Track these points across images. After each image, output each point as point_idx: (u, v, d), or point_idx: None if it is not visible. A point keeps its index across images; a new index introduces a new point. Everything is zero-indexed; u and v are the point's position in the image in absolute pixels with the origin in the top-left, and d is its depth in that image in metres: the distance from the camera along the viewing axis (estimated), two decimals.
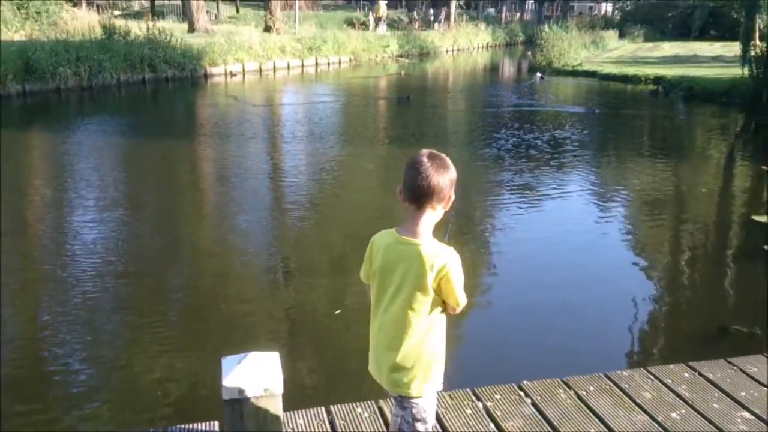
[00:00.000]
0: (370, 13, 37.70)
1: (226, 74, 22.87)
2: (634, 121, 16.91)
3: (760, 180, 10.89)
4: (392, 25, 39.34)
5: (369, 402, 3.32)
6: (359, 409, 3.26)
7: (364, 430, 3.11)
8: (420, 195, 2.21)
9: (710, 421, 3.19)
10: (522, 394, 3.36)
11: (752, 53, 18.23)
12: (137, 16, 31.92)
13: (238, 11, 39.64)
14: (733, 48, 23.84)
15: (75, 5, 30.14)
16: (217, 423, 3.09)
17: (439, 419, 3.19)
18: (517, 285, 6.17)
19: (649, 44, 39.68)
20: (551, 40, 28.68)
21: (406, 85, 22.89)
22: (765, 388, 3.49)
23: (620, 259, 7.12)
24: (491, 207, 8.91)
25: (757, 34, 18.93)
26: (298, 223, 8.03)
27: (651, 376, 3.59)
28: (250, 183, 9.78)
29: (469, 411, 3.24)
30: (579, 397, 3.39)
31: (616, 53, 33.83)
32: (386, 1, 38.10)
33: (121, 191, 9.44)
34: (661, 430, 3.12)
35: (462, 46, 40.76)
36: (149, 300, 5.87)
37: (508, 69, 33.23)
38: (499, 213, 8.61)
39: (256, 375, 2.42)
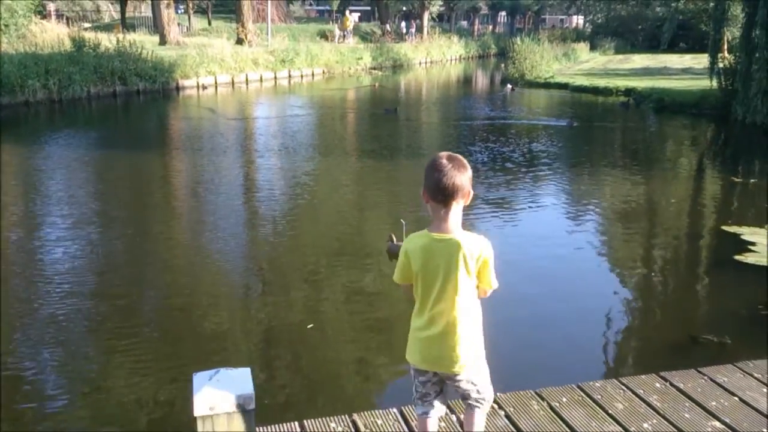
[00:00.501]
0: (336, 25, 37.67)
1: (198, 87, 22.77)
2: (607, 133, 17.13)
3: (730, 190, 11.09)
4: (365, 37, 39.50)
5: (342, 416, 3.30)
6: (333, 423, 3.23)
7: None
8: (447, 194, 2.42)
9: (681, 431, 3.21)
10: (495, 406, 3.36)
11: (720, 65, 18.59)
12: (107, 28, 31.69)
13: (210, 23, 39.57)
14: (702, 60, 24.30)
15: (44, 18, 29.84)
16: None
17: None
18: (490, 298, 6.16)
19: (620, 56, 40.33)
20: (523, 52, 29.03)
21: (382, 98, 23.00)
22: (735, 398, 3.52)
23: (593, 271, 7.18)
24: (466, 220, 8.93)
25: (725, 47, 19.32)
26: (272, 238, 7.98)
27: (623, 387, 3.61)
28: (223, 198, 9.71)
29: (443, 424, 3.23)
30: (552, 408, 3.39)
31: (588, 65, 34.33)
32: (358, 14, 38.19)
33: (91, 208, 9.29)
34: None
35: (435, 59, 41.08)
36: (120, 318, 5.78)
37: (481, 81, 33.54)
38: (473, 226, 8.64)
39: (227, 391, 2.39)
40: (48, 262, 6.94)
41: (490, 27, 62.90)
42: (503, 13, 65.75)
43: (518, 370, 4.59)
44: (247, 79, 25.12)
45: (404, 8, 49.85)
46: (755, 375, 3.77)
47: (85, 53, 20.44)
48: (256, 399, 2.40)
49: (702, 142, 16.62)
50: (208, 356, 4.99)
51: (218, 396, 2.37)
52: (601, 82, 24.77)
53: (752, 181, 12.06)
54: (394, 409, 3.36)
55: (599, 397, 3.50)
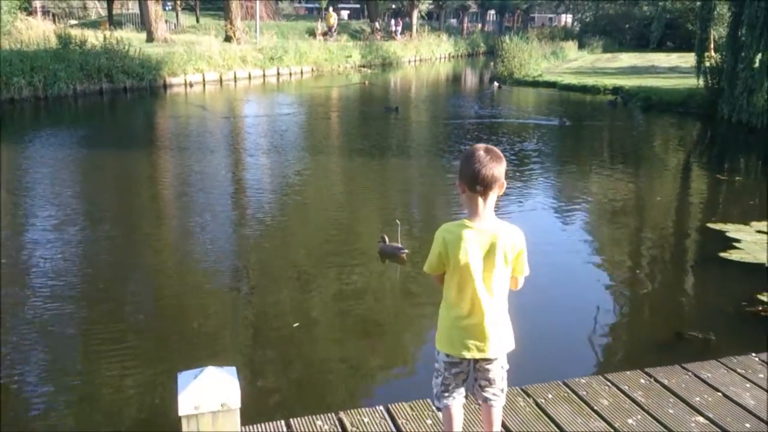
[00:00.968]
0: (318, 22, 37.34)
1: (186, 84, 22.66)
2: (595, 132, 17.20)
3: (715, 188, 11.17)
4: (354, 35, 39.43)
5: (329, 414, 3.30)
6: (319, 422, 3.23)
7: None
8: (485, 184, 2.51)
9: (665, 426, 3.23)
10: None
11: (707, 64, 18.71)
12: (94, 25, 31.50)
13: (198, 21, 39.39)
14: (689, 59, 24.42)
15: (30, 14, 29.58)
16: None
17: (399, 430, 3.18)
18: None
19: (608, 55, 40.52)
20: (512, 50, 29.11)
21: (371, 96, 22.99)
22: (719, 393, 3.55)
23: (579, 269, 7.22)
24: (456, 216, 8.96)
25: (711, 46, 19.43)
26: (259, 237, 7.95)
27: (608, 383, 3.63)
28: (211, 198, 9.64)
29: (429, 421, 3.24)
30: (538, 404, 3.41)
31: (576, 64, 34.46)
32: (347, 12, 37.92)
33: (76, 208, 9.19)
34: None
35: (424, 57, 41.09)
36: (107, 317, 5.76)
37: (470, 79, 33.59)
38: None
39: (212, 390, 2.39)
40: (32, 263, 6.87)
41: (480, 25, 63.01)
42: (492, 12, 65.89)
43: None
44: (235, 77, 25.03)
45: (393, 6, 49.85)
46: (738, 371, 3.80)
47: (71, 50, 20.29)
48: (242, 398, 2.40)
49: (688, 141, 16.72)
50: (195, 355, 4.98)
51: (203, 395, 2.36)
52: (589, 81, 24.87)
53: (737, 178, 12.16)
54: (381, 407, 3.36)
55: (585, 393, 3.52)
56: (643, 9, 47.29)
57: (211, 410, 2.37)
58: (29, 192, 9.81)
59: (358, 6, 53.68)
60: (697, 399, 3.48)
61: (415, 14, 45.35)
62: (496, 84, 25.78)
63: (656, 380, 3.67)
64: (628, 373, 3.77)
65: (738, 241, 7.60)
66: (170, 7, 41.18)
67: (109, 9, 36.92)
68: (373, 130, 16.17)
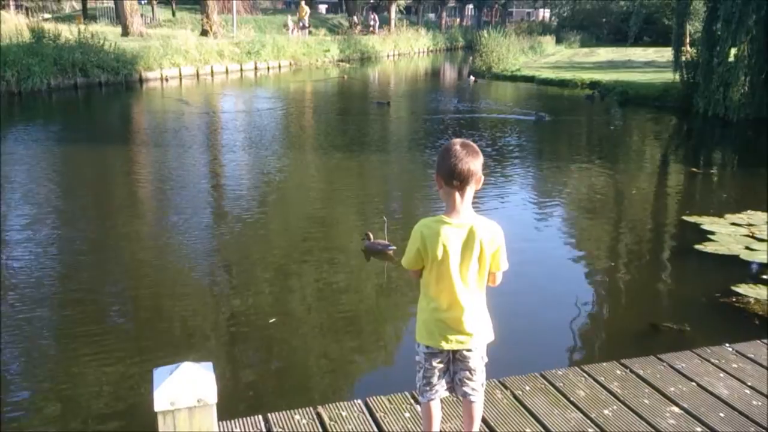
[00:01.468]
0: (289, 17, 36.88)
1: (162, 79, 22.44)
2: (573, 126, 17.29)
3: (690, 181, 11.30)
4: (332, 29, 39.29)
5: (307, 408, 3.29)
6: (297, 416, 3.23)
7: None
8: (461, 179, 2.54)
9: (640, 416, 3.27)
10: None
11: (683, 59, 18.90)
12: (68, 19, 31.02)
13: (174, 15, 38.94)
14: (665, 53, 24.68)
15: (2, 8, 29.08)
16: None
17: (377, 423, 3.19)
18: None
19: (585, 50, 40.79)
20: (490, 45, 29.20)
21: (351, 90, 22.93)
22: (693, 383, 3.60)
23: (556, 262, 7.26)
24: (439, 212, 8.98)
25: (687, 40, 19.63)
26: (237, 233, 7.90)
27: (585, 374, 3.67)
28: (189, 194, 9.58)
29: (407, 414, 3.25)
30: (515, 397, 3.43)
31: (554, 58, 34.65)
32: (326, 6, 37.45)
33: (51, 205, 9.04)
34: (594, 426, 3.19)
35: (403, 51, 41.06)
36: (81, 314, 5.70)
37: (449, 74, 33.61)
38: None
39: (188, 385, 2.37)
40: (5, 262, 6.75)
41: (458, 20, 63.03)
42: (470, 6, 65.94)
43: None
44: (212, 71, 24.83)
45: (371, 0, 49.71)
46: (712, 361, 3.86)
47: (45, 44, 19.97)
48: (220, 393, 2.39)
49: (664, 135, 16.89)
50: (172, 352, 4.95)
51: (179, 391, 2.34)
52: (567, 75, 25.03)
53: (712, 172, 12.32)
54: (359, 401, 3.36)
55: (561, 384, 3.55)
56: (620, 4, 47.62)
57: (188, 406, 2.35)
58: (1, 189, 9.63)
59: (336, 0, 53.47)
60: (672, 389, 3.53)
61: (393, 8, 45.28)
62: (472, 78, 26.16)
63: (632, 371, 3.71)
64: (604, 364, 3.81)
65: (713, 233, 7.70)
66: (146, 1, 40.70)
67: (84, 3, 36.42)
68: (351, 126, 16.13)
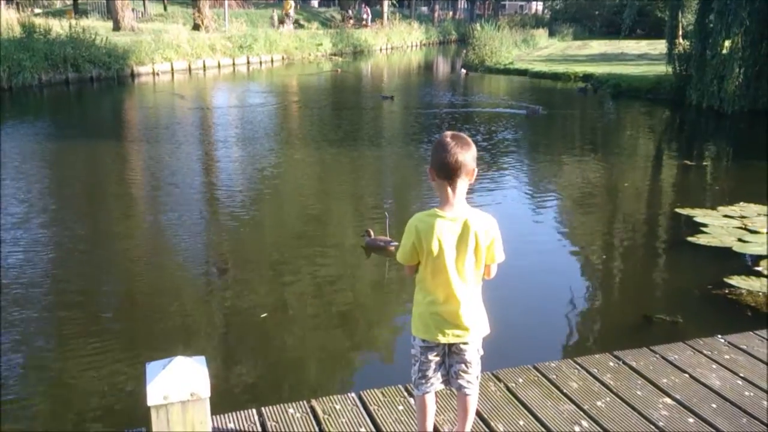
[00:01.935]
0: (273, 11, 36.57)
1: (154, 74, 22.35)
2: (566, 119, 17.32)
3: (683, 174, 11.33)
4: (325, 23, 39.16)
5: (300, 402, 3.29)
6: (291, 410, 3.22)
7: (295, 430, 3.08)
8: (454, 171, 2.53)
9: (633, 408, 3.28)
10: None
11: (676, 51, 18.91)
12: (59, 14, 30.83)
13: (165, 9, 38.71)
14: (658, 46, 24.66)
15: None
16: (144, 429, 3.00)
17: (371, 417, 3.19)
18: None
19: (578, 42, 40.75)
20: (483, 38, 29.18)
21: (344, 84, 22.87)
22: (686, 375, 3.61)
23: (549, 255, 7.26)
24: (431, 205, 8.98)
25: (680, 33, 19.65)
26: (231, 229, 7.87)
27: (578, 366, 3.68)
28: (182, 189, 9.54)
29: (401, 407, 3.25)
30: (509, 389, 3.44)
31: (547, 51, 34.61)
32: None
33: (44, 201, 9.01)
34: (587, 418, 3.19)
35: (396, 45, 40.98)
36: (75, 309, 5.68)
37: (442, 67, 33.57)
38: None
39: (181, 379, 2.37)
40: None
41: (451, 13, 62.86)
42: None
43: None
44: (204, 66, 24.74)
45: None
46: (705, 352, 3.87)
47: (36, 39, 19.86)
48: (214, 388, 2.39)
49: (657, 127, 16.92)
50: (164, 345, 4.94)
51: (172, 385, 2.34)
52: (560, 68, 25.02)
53: (704, 164, 12.36)
54: (353, 395, 3.37)
55: (555, 377, 3.56)
56: None
57: (181, 400, 2.35)
58: None
59: None
60: (665, 381, 3.54)
61: (386, 1, 45.14)
62: (463, 71, 26.47)
63: (625, 363, 3.72)
64: (597, 356, 3.82)
65: (705, 225, 7.73)
66: None
67: None
68: (344, 120, 16.10)
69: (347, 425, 3.12)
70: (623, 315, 5.86)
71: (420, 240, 2.59)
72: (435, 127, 14.78)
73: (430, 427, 2.86)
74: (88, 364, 4.76)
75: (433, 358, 2.71)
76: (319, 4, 51.30)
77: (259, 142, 12.92)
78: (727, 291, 5.93)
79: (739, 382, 3.55)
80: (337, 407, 3.26)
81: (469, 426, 2.86)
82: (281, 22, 34.60)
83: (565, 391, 3.42)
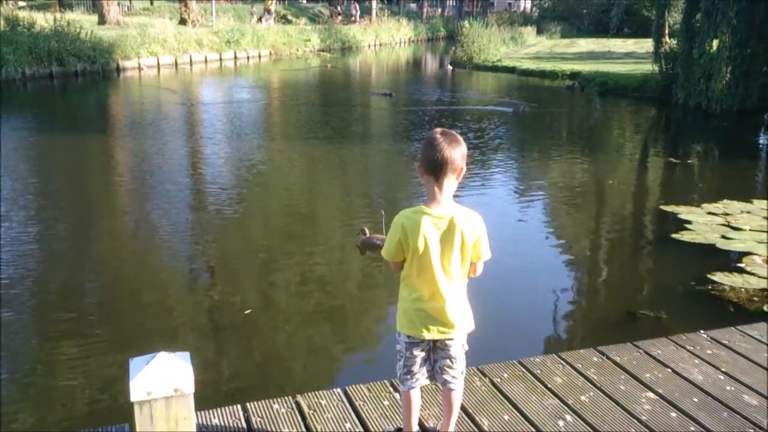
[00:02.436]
0: (252, 6, 36.22)
1: (139, 68, 22.21)
2: (553, 117, 17.36)
3: (669, 171, 11.41)
4: (313, 19, 39.05)
5: (286, 398, 3.28)
6: (276, 405, 3.22)
7: (280, 425, 3.08)
8: (442, 168, 2.53)
9: (617, 402, 3.30)
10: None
11: (663, 50, 19.01)
12: (43, 7, 30.55)
13: (152, 3, 38.48)
14: (645, 44, 24.81)
15: None
16: (127, 425, 2.99)
17: (357, 412, 3.19)
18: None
19: (566, 41, 40.91)
20: (471, 35, 29.24)
21: (333, 80, 22.80)
22: (668, 369, 3.64)
23: (535, 251, 7.29)
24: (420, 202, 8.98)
25: (666, 32, 19.77)
26: (216, 225, 7.83)
27: (562, 362, 3.70)
28: (167, 185, 9.49)
29: (386, 402, 3.25)
30: (494, 384, 3.45)
31: (534, 49, 34.71)
32: None
33: (27, 196, 8.91)
34: (570, 413, 3.21)
35: (384, 41, 40.96)
36: (58, 304, 5.65)
37: (430, 64, 33.59)
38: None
39: (165, 375, 2.35)
40: None
41: (439, 10, 62.91)
42: None
43: None
44: (191, 60, 24.61)
45: None
46: (687, 347, 3.90)
47: (20, 32, 19.70)
48: (199, 384, 2.38)
49: (643, 125, 17.02)
50: (148, 341, 4.91)
51: (156, 380, 2.33)
52: (548, 66, 25.11)
53: (689, 161, 12.45)
54: (338, 390, 3.36)
55: (539, 371, 3.58)
56: None
57: (164, 396, 2.34)
58: None
59: None
60: (648, 375, 3.57)
61: None
62: (450, 67, 27.00)
63: (608, 358, 3.75)
64: (581, 351, 3.84)
65: (690, 222, 7.78)
66: None
67: None
68: (334, 117, 16.04)
69: (332, 420, 3.12)
70: (607, 310, 5.90)
71: (406, 237, 2.58)
72: (425, 123, 14.78)
73: (415, 421, 2.87)
74: (71, 360, 4.73)
75: (419, 353, 2.72)
76: (308, 0, 51.16)
77: (246, 138, 12.87)
78: (710, 287, 5.98)
79: (721, 377, 3.58)
80: (323, 402, 3.26)
81: (454, 421, 2.87)
82: (260, 18, 34.29)
83: (549, 385, 3.44)
